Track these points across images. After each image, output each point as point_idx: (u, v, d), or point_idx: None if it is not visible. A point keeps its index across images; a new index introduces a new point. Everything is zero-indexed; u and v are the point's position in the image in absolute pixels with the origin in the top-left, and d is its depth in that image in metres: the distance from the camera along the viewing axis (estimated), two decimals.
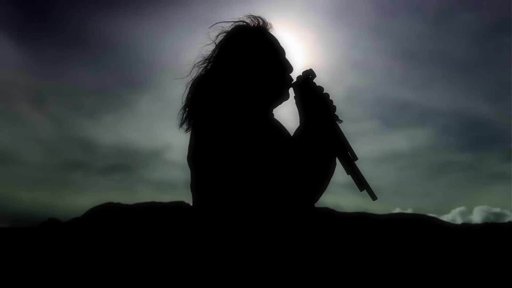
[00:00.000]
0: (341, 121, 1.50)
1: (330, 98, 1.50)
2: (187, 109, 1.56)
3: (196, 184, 1.47)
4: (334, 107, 1.50)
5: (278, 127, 1.57)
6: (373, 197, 1.47)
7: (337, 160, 1.50)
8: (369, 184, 1.48)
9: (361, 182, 1.48)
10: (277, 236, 1.38)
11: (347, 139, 1.49)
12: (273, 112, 1.63)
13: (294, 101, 1.55)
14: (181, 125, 1.58)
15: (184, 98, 1.58)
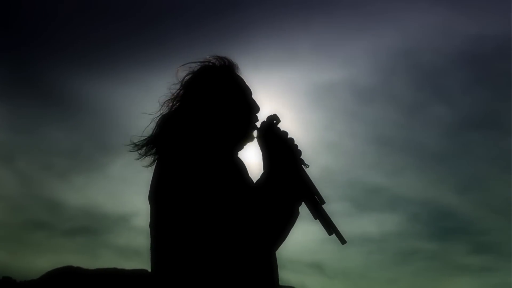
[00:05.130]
0: (307, 166, 1.47)
1: (295, 142, 1.48)
2: (151, 144, 1.54)
3: (155, 223, 1.42)
4: (300, 152, 1.47)
5: (241, 169, 1.53)
6: (342, 241, 1.42)
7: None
8: (338, 228, 1.43)
9: (329, 226, 1.43)
10: (234, 281, 1.32)
11: (314, 183, 1.45)
12: (238, 153, 1.59)
13: (258, 145, 1.52)
14: (141, 157, 1.54)
15: (149, 132, 1.56)
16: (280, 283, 1.44)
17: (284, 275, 1.44)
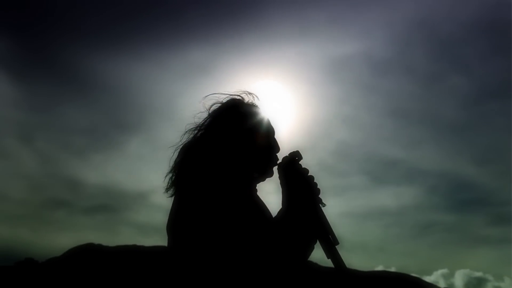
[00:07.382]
0: (324, 205, 1.48)
1: (315, 181, 1.49)
2: (174, 173, 1.56)
3: (172, 254, 1.44)
4: (319, 190, 1.48)
5: (259, 204, 1.56)
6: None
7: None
8: (348, 268, 1.45)
9: (340, 267, 1.45)
10: None
11: (329, 223, 1.47)
12: (257, 188, 1.62)
13: (278, 180, 1.53)
14: (167, 189, 1.56)
15: (172, 162, 1.58)
16: None
17: None
